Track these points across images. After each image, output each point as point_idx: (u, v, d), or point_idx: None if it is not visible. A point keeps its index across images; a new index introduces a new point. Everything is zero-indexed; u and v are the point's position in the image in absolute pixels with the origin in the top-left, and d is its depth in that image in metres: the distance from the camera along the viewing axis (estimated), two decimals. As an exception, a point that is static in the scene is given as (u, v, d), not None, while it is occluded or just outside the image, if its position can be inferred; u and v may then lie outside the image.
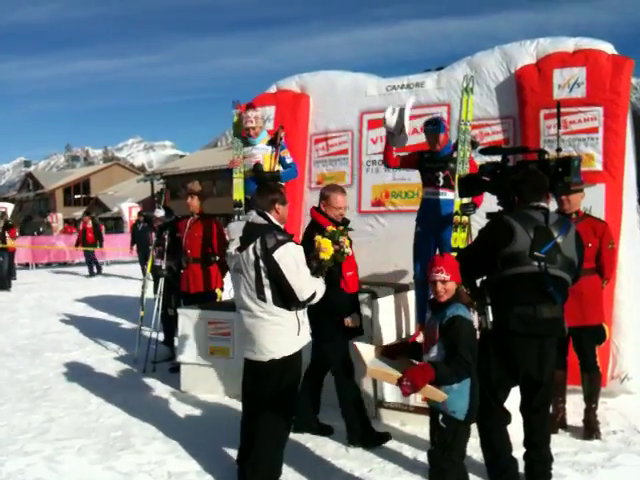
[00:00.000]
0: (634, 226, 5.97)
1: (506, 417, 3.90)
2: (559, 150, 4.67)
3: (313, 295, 3.91)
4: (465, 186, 4.63)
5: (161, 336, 7.81)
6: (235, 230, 4.01)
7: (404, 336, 6.07)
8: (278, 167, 6.33)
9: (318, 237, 4.23)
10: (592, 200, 5.47)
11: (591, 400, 5.03)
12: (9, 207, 19.96)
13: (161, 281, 7.55)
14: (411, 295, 6.14)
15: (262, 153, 6.34)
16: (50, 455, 4.74)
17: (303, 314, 4.01)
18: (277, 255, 3.78)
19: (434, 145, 5.53)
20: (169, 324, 7.68)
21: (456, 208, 5.26)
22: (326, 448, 4.77)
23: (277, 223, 3.99)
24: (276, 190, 4.09)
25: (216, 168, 39.13)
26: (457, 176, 5.24)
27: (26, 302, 13.30)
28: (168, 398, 6.12)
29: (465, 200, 5.17)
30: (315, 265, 4.07)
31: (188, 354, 6.34)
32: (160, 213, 7.86)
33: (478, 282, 3.96)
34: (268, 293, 3.84)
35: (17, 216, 19.80)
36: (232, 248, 3.96)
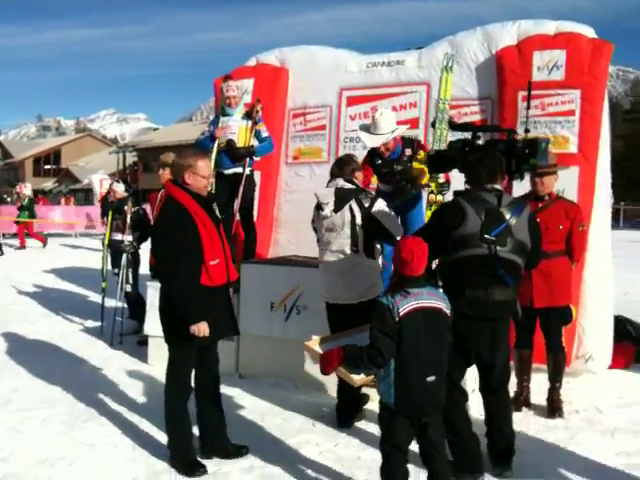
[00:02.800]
0: (606, 209, 6.03)
1: (463, 396, 3.93)
2: (527, 131, 4.68)
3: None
4: (434, 163, 4.63)
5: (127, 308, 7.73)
6: (326, 195, 4.61)
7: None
8: (253, 141, 6.25)
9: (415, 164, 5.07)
10: (565, 182, 5.50)
11: (555, 380, 5.10)
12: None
13: (124, 256, 7.46)
14: None
15: (238, 125, 6.25)
16: (14, 425, 4.67)
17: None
18: (375, 210, 4.48)
19: (383, 153, 5.43)
20: (131, 299, 7.64)
21: (432, 187, 5.25)
22: (293, 422, 4.79)
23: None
24: (353, 160, 4.79)
25: (191, 142, 38.70)
26: (427, 152, 5.22)
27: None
28: (135, 370, 6.06)
29: (441, 179, 5.17)
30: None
31: (156, 327, 6.26)
32: (119, 187, 7.78)
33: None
34: (361, 246, 4.51)
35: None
36: (327, 210, 4.57)
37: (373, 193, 4.67)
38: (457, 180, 4.64)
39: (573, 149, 5.87)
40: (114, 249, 7.71)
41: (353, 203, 4.51)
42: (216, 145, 6.31)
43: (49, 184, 53.23)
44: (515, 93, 6.04)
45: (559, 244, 5.01)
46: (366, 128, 5.34)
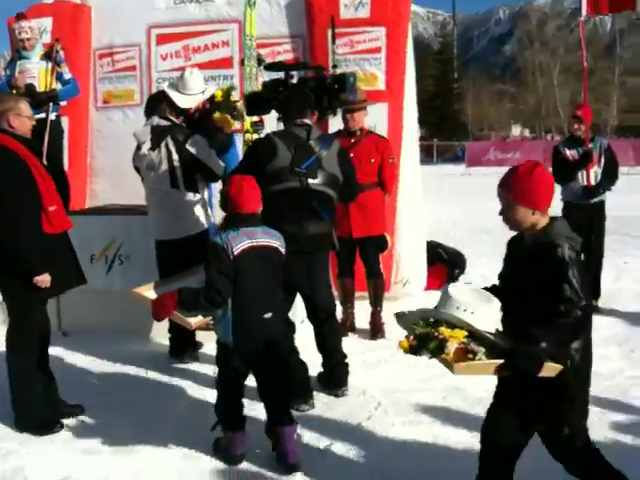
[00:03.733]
0: (413, 142, 6.41)
1: (290, 327, 4.09)
2: (334, 67, 4.81)
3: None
4: (252, 105, 4.63)
5: None
6: (143, 134, 4.61)
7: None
8: (56, 85, 5.83)
9: (216, 114, 4.96)
10: (376, 118, 5.75)
11: (376, 304, 5.47)
12: None
13: None
14: None
15: (37, 68, 5.81)
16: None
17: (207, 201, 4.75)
18: (189, 145, 4.48)
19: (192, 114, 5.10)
20: None
21: (247, 126, 5.25)
22: (126, 373, 4.74)
23: (179, 122, 4.62)
24: (165, 96, 4.69)
25: (-7, 90, 35.24)
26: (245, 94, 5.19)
27: None
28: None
29: (255, 118, 5.18)
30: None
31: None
32: None
33: None
34: (181, 182, 4.55)
35: None
36: (144, 149, 4.56)
37: (190, 130, 4.64)
38: (273, 119, 4.64)
39: (381, 86, 6.11)
40: None
41: (169, 139, 4.52)
42: (15, 92, 5.81)
43: None
44: (324, 31, 6.09)
45: (372, 177, 5.28)
46: (175, 87, 4.98)
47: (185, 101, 4.80)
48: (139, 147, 4.64)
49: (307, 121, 3.92)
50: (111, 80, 7.02)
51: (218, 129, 5.02)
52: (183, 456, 3.51)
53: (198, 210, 4.68)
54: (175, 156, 4.51)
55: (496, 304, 2.52)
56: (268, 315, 3.31)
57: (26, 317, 3.82)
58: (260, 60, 5.36)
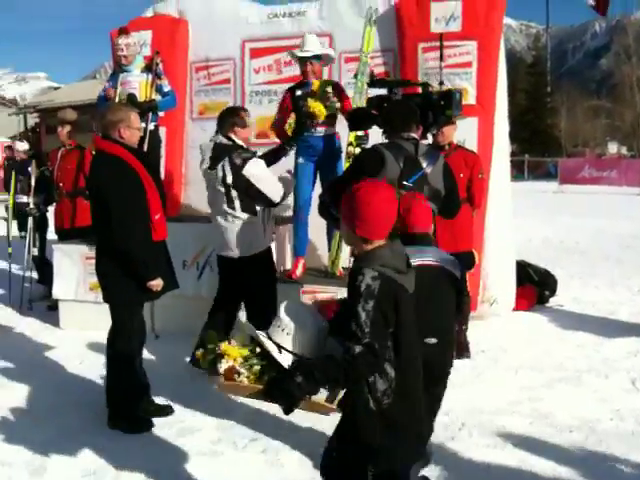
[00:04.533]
0: (504, 157, 6.27)
1: None
2: (441, 83, 4.78)
3: (284, 195, 4.60)
4: (354, 121, 4.66)
5: (35, 275, 7.50)
6: (206, 149, 4.58)
7: (282, 270, 6.15)
8: (155, 96, 6.07)
9: (309, 100, 5.01)
10: (465, 133, 5.67)
11: (462, 323, 5.35)
12: None
13: (30, 220, 7.18)
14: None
15: (138, 80, 6.03)
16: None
17: (268, 219, 4.69)
18: (246, 170, 4.40)
19: (307, 74, 5.35)
20: (39, 263, 7.43)
21: (350, 139, 5.28)
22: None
23: (241, 143, 4.54)
24: (237, 114, 4.63)
25: (95, 101, 37.09)
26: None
27: None
28: (47, 335, 5.95)
29: (360, 132, 5.22)
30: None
31: (66, 291, 6.14)
32: (22, 146, 7.46)
33: None
34: (237, 203, 4.49)
35: None
36: (204, 166, 4.57)
37: (250, 152, 4.59)
38: (377, 133, 4.64)
39: (471, 100, 6.01)
40: (20, 212, 7.42)
41: (226, 161, 4.47)
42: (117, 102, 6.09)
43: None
44: (415, 45, 6.11)
45: (460, 192, 5.17)
46: (292, 53, 5.45)
47: (305, 53, 5.19)
48: (202, 162, 4.66)
49: (414, 135, 3.89)
50: (207, 92, 7.26)
51: (310, 115, 5.11)
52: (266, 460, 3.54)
53: (253, 232, 4.60)
54: (229, 179, 4.47)
55: (310, 329, 2.35)
56: (432, 341, 3.03)
57: (128, 320, 4.00)
58: (372, 76, 5.39)
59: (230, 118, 4.60)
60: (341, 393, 2.30)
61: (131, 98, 5.89)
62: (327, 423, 3.96)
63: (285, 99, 5.51)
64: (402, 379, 2.32)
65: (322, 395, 2.30)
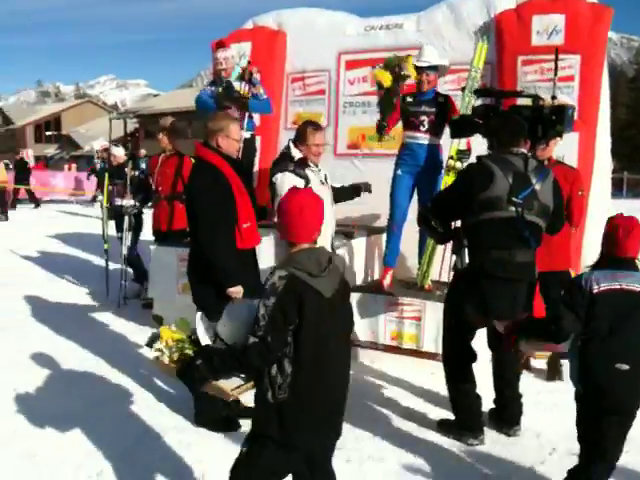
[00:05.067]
0: (605, 174, 6.04)
1: (473, 356, 4.02)
2: (554, 98, 4.65)
3: None
4: (457, 127, 4.61)
5: (131, 272, 7.83)
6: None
7: (370, 279, 6.16)
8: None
9: (374, 71, 5.00)
10: (566, 148, 5.49)
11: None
12: (-23, 141, 19.38)
13: (126, 219, 7.51)
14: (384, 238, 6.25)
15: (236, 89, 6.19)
16: (18, 386, 4.76)
17: None
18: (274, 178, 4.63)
19: (423, 84, 5.37)
20: (135, 262, 7.76)
21: (452, 152, 5.24)
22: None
23: (296, 155, 4.62)
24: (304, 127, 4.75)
25: (191, 109, 38.39)
26: (450, 118, 5.18)
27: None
28: (140, 332, 6.16)
29: (462, 146, 5.18)
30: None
31: (160, 290, 6.38)
32: (119, 151, 7.80)
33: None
34: None
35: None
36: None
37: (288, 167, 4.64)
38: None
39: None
40: (117, 213, 7.78)
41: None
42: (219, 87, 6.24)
43: (50, 150, 52.93)
44: (514, 58, 6.00)
45: (560, 209, 5.04)
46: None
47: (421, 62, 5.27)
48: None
49: (523, 150, 3.82)
50: (301, 103, 7.39)
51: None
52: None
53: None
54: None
55: (242, 322, 2.57)
56: (624, 367, 2.94)
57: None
58: (476, 88, 5.36)
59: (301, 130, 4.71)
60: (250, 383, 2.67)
61: (228, 84, 6.02)
62: (412, 433, 3.97)
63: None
64: (300, 376, 2.46)
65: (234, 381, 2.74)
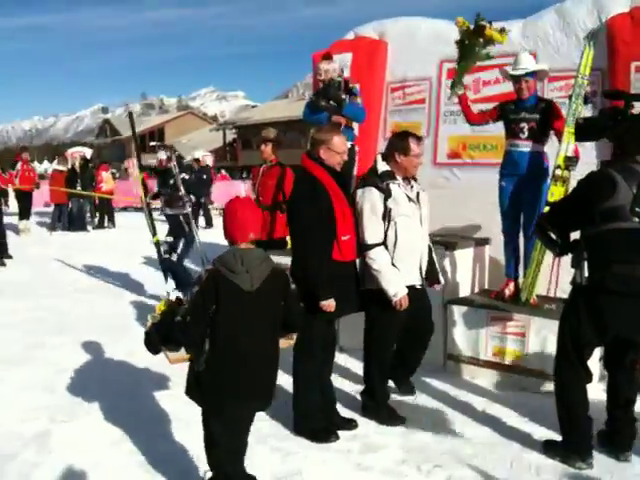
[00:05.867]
0: None
1: (588, 376, 3.83)
2: None
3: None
4: (583, 130, 4.43)
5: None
6: None
7: (477, 290, 6.02)
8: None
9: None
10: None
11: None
12: (88, 152, 20.46)
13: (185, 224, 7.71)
14: (490, 249, 6.17)
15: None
16: (129, 388, 4.96)
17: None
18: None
19: (522, 92, 5.27)
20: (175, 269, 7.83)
21: (559, 161, 5.08)
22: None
23: (383, 169, 4.40)
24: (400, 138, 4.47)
25: (287, 119, 39.11)
26: (575, 120, 4.98)
27: (104, 243, 13.80)
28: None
29: (569, 153, 5.01)
30: None
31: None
32: (163, 155, 7.98)
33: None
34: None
35: (95, 161, 20.33)
36: None
37: (372, 181, 4.34)
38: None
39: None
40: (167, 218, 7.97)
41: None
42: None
43: (154, 160, 55.36)
44: (627, 64, 5.69)
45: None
46: (504, 71, 5.47)
47: (516, 71, 5.24)
48: None
49: None
50: (400, 112, 7.33)
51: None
52: None
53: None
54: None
55: None
56: None
57: (310, 329, 4.05)
58: (587, 98, 5.18)
59: (394, 142, 4.47)
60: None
61: (332, 84, 6.06)
62: (515, 453, 3.83)
63: (493, 109, 5.50)
64: (214, 354, 3.04)
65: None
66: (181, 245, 7.77)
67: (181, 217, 7.73)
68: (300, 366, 4.19)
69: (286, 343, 3.52)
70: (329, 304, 3.95)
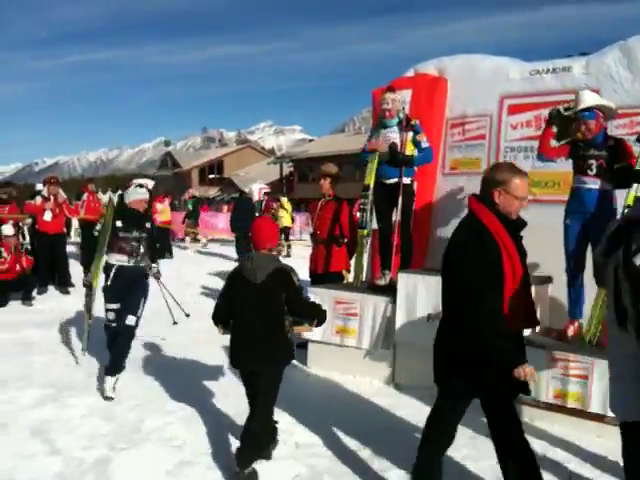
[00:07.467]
0: None
1: None
2: None
3: None
4: None
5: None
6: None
7: (538, 329, 5.87)
8: (414, 151, 6.27)
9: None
10: None
11: None
12: (150, 183, 21.07)
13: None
14: (551, 288, 6.05)
15: (397, 137, 6.29)
16: (187, 415, 5.04)
17: None
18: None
19: (585, 132, 5.20)
20: None
21: (628, 201, 4.96)
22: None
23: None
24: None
25: (343, 153, 39.38)
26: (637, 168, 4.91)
27: (163, 273, 14.00)
28: (293, 373, 6.28)
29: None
30: None
31: (316, 332, 6.50)
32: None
33: None
34: (630, 310, 2.92)
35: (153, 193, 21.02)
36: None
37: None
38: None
39: None
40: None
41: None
42: (377, 155, 6.41)
43: (213, 192, 56.44)
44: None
45: None
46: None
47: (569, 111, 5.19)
48: None
49: None
50: (460, 148, 7.33)
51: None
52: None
53: None
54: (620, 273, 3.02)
55: None
56: None
57: (446, 411, 3.63)
58: None
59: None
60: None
61: (392, 147, 6.15)
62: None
63: (566, 145, 5.40)
64: (234, 324, 4.15)
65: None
66: None
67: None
68: (427, 449, 3.70)
69: (303, 329, 4.34)
70: (524, 370, 3.21)
